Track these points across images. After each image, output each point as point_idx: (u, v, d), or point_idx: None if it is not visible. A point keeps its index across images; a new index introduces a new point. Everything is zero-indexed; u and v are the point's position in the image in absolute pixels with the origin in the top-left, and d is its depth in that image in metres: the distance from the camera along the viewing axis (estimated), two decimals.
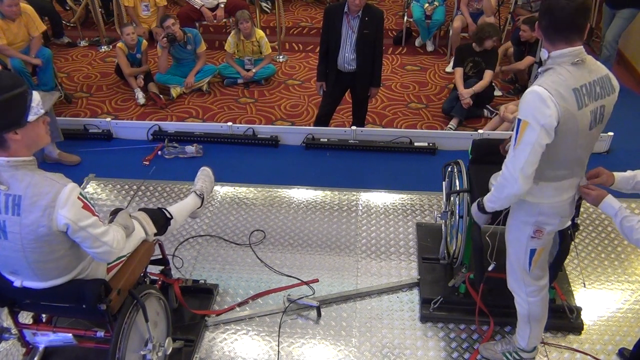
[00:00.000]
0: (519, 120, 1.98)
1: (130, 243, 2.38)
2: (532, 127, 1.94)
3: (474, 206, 2.36)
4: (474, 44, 5.01)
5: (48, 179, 1.91)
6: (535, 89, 1.95)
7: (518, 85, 5.60)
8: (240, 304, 3.08)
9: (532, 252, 2.30)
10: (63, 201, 1.88)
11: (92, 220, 1.98)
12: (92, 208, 2.00)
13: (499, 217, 2.40)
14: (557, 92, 1.93)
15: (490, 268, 2.53)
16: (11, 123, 1.86)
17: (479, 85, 4.95)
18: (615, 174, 2.28)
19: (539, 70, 2.08)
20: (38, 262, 1.99)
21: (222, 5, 6.39)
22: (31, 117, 1.89)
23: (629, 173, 2.29)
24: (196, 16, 6.42)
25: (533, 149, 1.96)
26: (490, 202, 2.22)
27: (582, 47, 1.99)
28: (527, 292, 2.42)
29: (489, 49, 5.05)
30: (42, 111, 1.92)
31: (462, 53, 5.14)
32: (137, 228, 2.46)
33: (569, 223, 2.35)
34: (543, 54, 2.07)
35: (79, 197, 1.93)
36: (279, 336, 2.90)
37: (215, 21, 6.50)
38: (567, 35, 1.96)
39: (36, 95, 1.93)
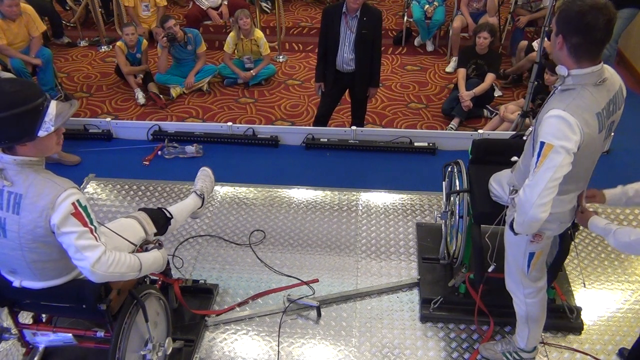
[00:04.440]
0: (542, 143, 1.88)
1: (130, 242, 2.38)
2: (557, 151, 1.85)
3: (508, 229, 2.24)
4: (477, 47, 5.02)
5: (51, 181, 1.89)
6: (561, 114, 1.86)
7: (514, 75, 5.61)
8: (240, 304, 3.08)
9: (531, 255, 2.29)
10: (57, 204, 1.86)
11: (78, 229, 1.89)
12: (86, 219, 1.91)
13: (499, 217, 2.40)
14: (582, 118, 1.87)
15: (490, 270, 2.53)
16: (21, 136, 1.84)
17: (480, 88, 4.95)
18: (605, 192, 2.27)
19: (558, 86, 1.99)
20: (36, 262, 1.98)
21: (225, 3, 6.42)
22: (41, 133, 1.84)
23: (619, 189, 2.27)
24: (202, 17, 6.46)
25: (555, 173, 1.86)
26: (517, 225, 2.07)
27: (602, 63, 1.94)
28: (525, 294, 2.42)
29: (493, 53, 5.06)
30: (52, 129, 1.87)
31: (466, 55, 5.15)
32: (137, 228, 2.46)
33: (568, 225, 2.35)
34: (561, 70, 1.96)
35: (73, 204, 1.88)
36: (279, 336, 2.90)
37: (221, 20, 6.54)
38: (596, 53, 1.90)
39: (52, 109, 1.87)
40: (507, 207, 2.35)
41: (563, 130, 1.86)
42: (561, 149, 1.85)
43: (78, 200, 1.90)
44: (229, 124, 4.74)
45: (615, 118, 2.04)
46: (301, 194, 3.95)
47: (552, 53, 2.03)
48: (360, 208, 3.81)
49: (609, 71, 1.99)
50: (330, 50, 4.21)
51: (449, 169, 3.10)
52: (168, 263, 2.83)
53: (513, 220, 2.09)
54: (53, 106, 1.88)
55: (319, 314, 3.01)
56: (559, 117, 1.87)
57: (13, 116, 1.79)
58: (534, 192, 1.89)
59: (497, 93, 5.42)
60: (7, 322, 2.43)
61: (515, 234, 2.14)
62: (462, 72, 5.06)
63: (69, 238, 1.89)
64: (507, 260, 2.41)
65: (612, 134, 4.31)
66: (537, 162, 1.89)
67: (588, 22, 1.83)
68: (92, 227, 1.93)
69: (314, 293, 3.14)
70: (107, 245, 1.98)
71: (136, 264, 2.10)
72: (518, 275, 2.39)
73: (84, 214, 1.90)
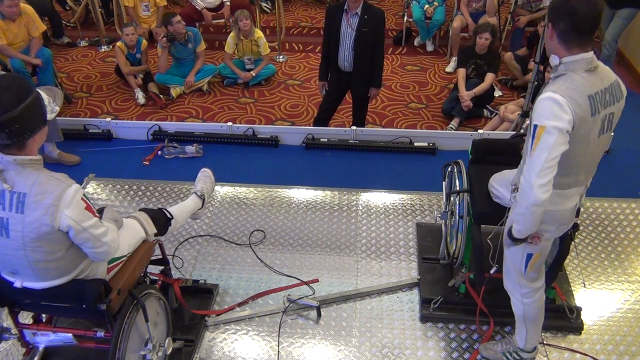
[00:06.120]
0: (535, 126, 1.93)
1: (130, 243, 2.38)
2: (549, 131, 1.89)
3: (506, 239, 2.23)
4: (476, 47, 5.02)
5: (53, 178, 1.93)
6: (550, 95, 1.92)
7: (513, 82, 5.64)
8: (240, 304, 3.08)
9: (529, 256, 2.30)
10: (68, 201, 1.90)
11: (93, 221, 2.00)
12: (94, 209, 2.02)
13: (502, 219, 2.40)
14: (572, 98, 1.91)
15: (492, 271, 2.53)
16: (37, 126, 1.91)
17: (480, 88, 4.95)
18: None
19: (551, 76, 2.04)
20: (39, 262, 1.99)
21: (228, 4, 6.41)
22: (50, 116, 1.92)
23: None
24: (197, 17, 6.44)
25: (550, 154, 1.89)
26: (517, 223, 2.09)
27: (592, 53, 1.98)
28: (522, 294, 2.43)
29: (492, 52, 5.07)
30: (57, 108, 1.95)
31: (466, 55, 5.16)
32: (137, 228, 2.47)
33: (568, 228, 2.35)
34: (553, 60, 2.02)
35: (82, 198, 1.96)
36: (279, 336, 2.90)
37: (223, 20, 6.56)
38: (584, 39, 1.95)
39: (43, 94, 1.95)
40: (509, 209, 2.34)
41: (553, 110, 1.90)
42: (553, 129, 1.89)
43: (84, 194, 1.98)
44: (229, 124, 4.74)
45: (614, 110, 2.06)
46: (301, 194, 3.95)
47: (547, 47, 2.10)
48: (360, 208, 3.81)
49: (602, 66, 2.04)
50: (332, 48, 4.22)
51: (449, 169, 3.10)
52: (168, 263, 2.84)
53: (511, 228, 2.11)
54: (41, 92, 2.00)
55: (319, 314, 3.01)
56: (549, 98, 1.92)
57: (32, 103, 1.86)
58: (533, 173, 1.92)
59: (497, 93, 5.42)
60: (7, 322, 2.43)
61: (515, 240, 2.14)
62: (462, 72, 5.06)
63: (89, 232, 1.98)
64: (506, 261, 2.41)
65: (612, 133, 4.35)
66: (532, 145, 1.94)
67: (573, 7, 1.90)
68: (98, 215, 2.06)
69: (314, 293, 3.14)
70: (105, 222, 2.16)
71: (120, 219, 2.37)
72: (515, 275, 2.39)
73: (91, 206, 2.01)
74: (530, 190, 1.93)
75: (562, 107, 1.89)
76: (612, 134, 4.28)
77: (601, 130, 2.05)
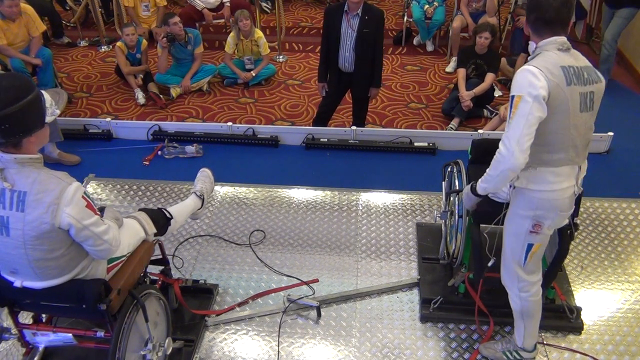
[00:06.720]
0: (512, 96, 2.06)
1: (130, 243, 2.38)
2: (525, 100, 2.02)
3: (467, 189, 2.41)
4: (476, 47, 5.02)
5: (54, 176, 1.94)
6: (524, 68, 2.08)
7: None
8: (240, 304, 3.08)
9: (530, 246, 2.32)
10: (68, 199, 1.91)
11: (94, 219, 2.00)
12: (95, 207, 2.02)
13: (499, 216, 2.40)
14: (546, 68, 2.04)
15: (490, 264, 2.54)
16: (33, 127, 1.90)
17: (480, 88, 4.95)
18: None
19: (528, 58, 2.20)
20: (39, 261, 1.99)
21: (228, 4, 6.42)
22: (48, 119, 1.93)
23: None
24: (197, 17, 6.45)
25: (527, 121, 2.01)
26: (484, 181, 2.24)
27: (565, 38, 2.14)
28: (519, 287, 2.44)
29: (492, 52, 5.07)
30: (58, 112, 1.95)
31: (466, 55, 5.15)
32: (137, 228, 2.46)
33: (567, 221, 2.35)
34: (531, 46, 2.21)
35: (83, 196, 1.96)
36: (279, 336, 2.90)
37: (223, 20, 6.56)
38: (553, 27, 2.12)
39: (46, 96, 1.95)
40: (507, 205, 2.36)
41: (527, 79, 2.03)
42: (528, 97, 2.01)
43: (85, 192, 1.99)
44: (229, 124, 4.74)
45: (594, 90, 2.15)
46: (301, 194, 3.95)
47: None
48: (360, 208, 3.81)
49: (576, 52, 2.18)
50: (332, 49, 4.22)
51: (449, 169, 3.10)
52: (168, 263, 2.84)
53: (474, 185, 2.26)
54: (45, 94, 1.99)
55: (319, 314, 3.01)
56: (522, 70, 2.07)
57: (29, 103, 1.86)
58: (513, 140, 2.03)
59: (497, 93, 5.42)
60: (7, 322, 2.43)
61: (475, 194, 2.30)
62: (462, 72, 5.06)
63: (89, 230, 1.98)
64: (505, 252, 2.43)
65: (611, 133, 4.36)
66: (510, 114, 2.06)
67: (539, 0, 2.12)
68: (99, 213, 2.06)
69: (314, 293, 3.14)
70: (106, 220, 2.15)
71: (120, 218, 2.37)
72: (514, 268, 2.41)
73: (92, 203, 2.01)
74: (510, 156, 2.04)
75: (535, 76, 2.02)
76: (612, 134, 4.34)
77: (583, 107, 2.12)
